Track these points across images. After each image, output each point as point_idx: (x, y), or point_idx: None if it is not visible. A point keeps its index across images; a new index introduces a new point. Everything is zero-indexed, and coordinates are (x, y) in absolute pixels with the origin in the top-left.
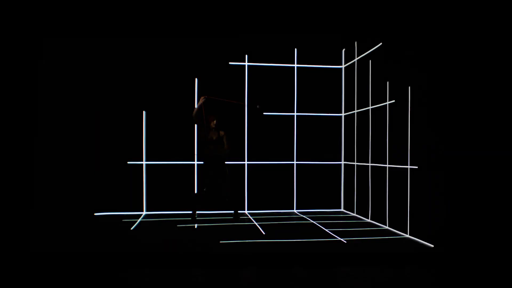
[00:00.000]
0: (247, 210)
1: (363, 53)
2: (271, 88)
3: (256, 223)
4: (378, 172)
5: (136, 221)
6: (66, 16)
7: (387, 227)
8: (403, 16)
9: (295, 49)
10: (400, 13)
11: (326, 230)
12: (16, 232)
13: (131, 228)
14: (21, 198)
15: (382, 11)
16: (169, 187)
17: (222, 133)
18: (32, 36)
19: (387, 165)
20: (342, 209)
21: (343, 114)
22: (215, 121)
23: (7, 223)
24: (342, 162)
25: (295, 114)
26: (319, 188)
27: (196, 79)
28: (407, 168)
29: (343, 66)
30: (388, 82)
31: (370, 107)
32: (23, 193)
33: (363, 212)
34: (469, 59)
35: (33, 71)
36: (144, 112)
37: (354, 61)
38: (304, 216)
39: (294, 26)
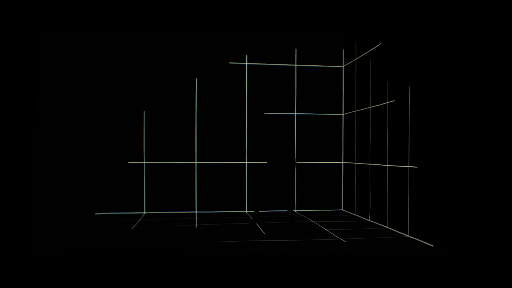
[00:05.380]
0: (247, 210)
1: (363, 53)
2: (271, 88)
3: (256, 223)
4: (378, 172)
5: (136, 221)
6: (64, 9)
7: (387, 227)
8: (403, 15)
9: (295, 49)
10: (401, 12)
11: (326, 230)
12: (13, 234)
13: (131, 228)
14: (19, 198)
15: (382, 10)
16: (169, 187)
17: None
18: (30, 29)
19: (387, 165)
20: (342, 209)
21: (343, 114)
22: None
23: (4, 224)
24: (342, 162)
25: (295, 114)
26: (319, 188)
27: (196, 79)
28: (407, 168)
29: (343, 66)
30: (388, 82)
31: (370, 107)
32: (21, 193)
33: (363, 212)
34: (469, 58)
35: (31, 67)
36: (144, 112)
37: (354, 61)
38: (304, 216)
39: (295, 23)
